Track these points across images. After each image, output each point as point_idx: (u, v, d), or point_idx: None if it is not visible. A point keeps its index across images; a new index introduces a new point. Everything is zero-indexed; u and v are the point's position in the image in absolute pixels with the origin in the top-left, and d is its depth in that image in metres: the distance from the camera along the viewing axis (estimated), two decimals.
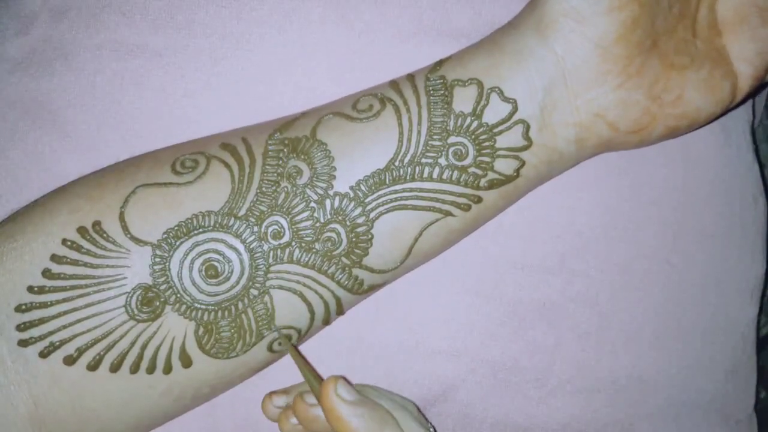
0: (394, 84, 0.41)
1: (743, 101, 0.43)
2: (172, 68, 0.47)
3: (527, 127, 0.39)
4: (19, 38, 0.48)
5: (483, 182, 0.39)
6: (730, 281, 0.50)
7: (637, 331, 0.48)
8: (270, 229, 0.38)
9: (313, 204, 0.38)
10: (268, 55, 0.48)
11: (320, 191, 0.38)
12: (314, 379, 0.39)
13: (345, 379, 0.39)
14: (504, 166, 0.40)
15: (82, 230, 0.38)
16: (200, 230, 0.38)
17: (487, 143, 0.39)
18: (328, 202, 0.38)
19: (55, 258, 0.37)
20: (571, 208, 0.48)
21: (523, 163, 0.40)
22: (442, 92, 0.39)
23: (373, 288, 0.41)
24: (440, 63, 0.41)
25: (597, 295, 0.48)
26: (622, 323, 0.48)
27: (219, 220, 0.38)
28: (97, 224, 0.38)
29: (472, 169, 0.39)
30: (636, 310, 0.48)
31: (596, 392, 0.48)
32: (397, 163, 0.39)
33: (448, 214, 0.40)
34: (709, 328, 0.49)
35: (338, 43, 0.48)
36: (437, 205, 0.39)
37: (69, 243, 0.37)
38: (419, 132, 0.39)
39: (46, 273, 0.37)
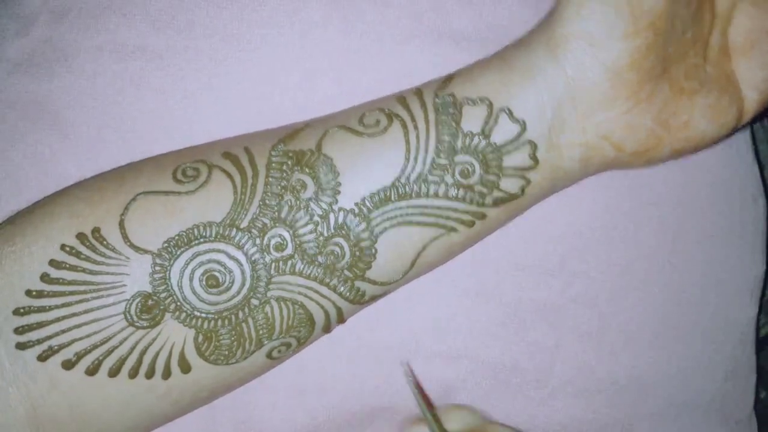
0: (401, 99, 0.40)
1: (746, 124, 0.44)
2: (172, 70, 0.47)
3: (534, 147, 0.39)
4: (19, 39, 0.48)
5: (488, 200, 0.39)
6: (729, 281, 0.50)
7: (637, 331, 0.48)
8: (272, 241, 0.38)
9: (317, 218, 0.38)
10: (269, 57, 0.47)
11: (324, 206, 0.38)
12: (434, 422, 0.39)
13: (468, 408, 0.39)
14: (509, 184, 0.39)
15: (81, 236, 0.37)
16: (201, 240, 0.37)
17: (494, 163, 0.39)
18: (332, 216, 0.38)
19: (53, 263, 0.37)
20: (571, 209, 0.48)
21: (528, 182, 0.40)
22: (451, 110, 0.39)
23: (375, 298, 0.41)
24: (450, 78, 0.40)
25: (597, 295, 0.48)
26: (623, 324, 0.48)
27: (221, 231, 0.37)
28: (96, 231, 0.37)
29: (477, 188, 0.39)
30: (636, 310, 0.48)
31: (597, 393, 0.48)
32: (403, 180, 0.38)
33: (452, 230, 0.40)
34: (708, 328, 0.49)
35: (339, 45, 0.47)
36: (442, 221, 0.39)
37: (68, 248, 0.37)
38: (426, 150, 0.38)
39: (45, 277, 0.37)
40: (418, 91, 0.40)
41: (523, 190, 0.40)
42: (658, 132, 0.40)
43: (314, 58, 0.47)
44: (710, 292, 0.49)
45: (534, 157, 0.39)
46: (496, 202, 0.40)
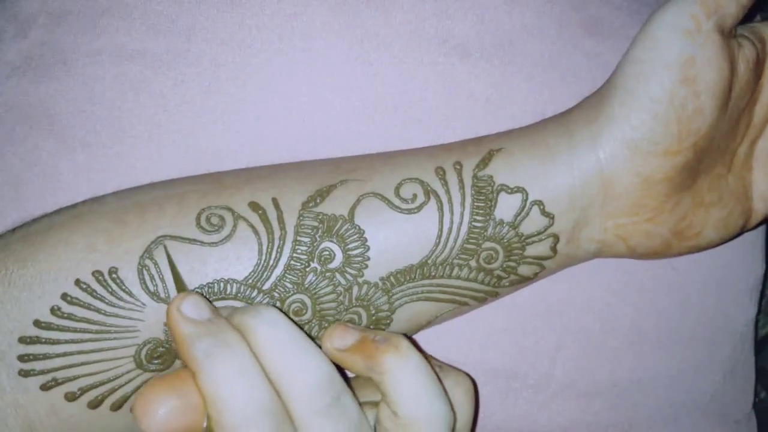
0: (440, 171, 0.40)
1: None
2: (172, 74, 0.45)
3: (557, 240, 0.40)
4: (17, 42, 0.46)
5: (504, 282, 0.40)
6: (729, 281, 0.50)
7: (637, 333, 0.48)
8: (293, 306, 0.38)
9: (340, 288, 0.38)
10: (269, 61, 0.46)
11: (350, 278, 0.38)
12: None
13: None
14: (526, 270, 0.40)
15: (97, 274, 0.36)
16: (220, 297, 0.37)
17: (517, 251, 0.39)
18: (355, 288, 0.38)
19: (66, 297, 0.36)
20: None
21: (543, 269, 0.41)
22: (487, 195, 0.39)
23: None
24: (490, 155, 0.40)
25: (598, 298, 0.47)
26: (623, 326, 0.48)
27: (241, 291, 0.37)
28: (114, 271, 0.37)
29: (497, 272, 0.40)
30: (637, 312, 0.48)
31: (597, 395, 0.48)
32: (430, 262, 0.39)
33: (465, 304, 0.41)
34: (708, 328, 0.50)
35: (340, 50, 0.46)
36: (458, 298, 0.40)
37: (83, 285, 0.36)
38: (458, 236, 0.39)
39: (55, 311, 0.36)
40: (458, 165, 0.40)
41: (535, 274, 0.41)
42: (670, 240, 0.41)
43: (315, 63, 0.46)
44: (710, 292, 0.50)
45: (554, 249, 0.40)
46: (511, 284, 0.41)
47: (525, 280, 0.41)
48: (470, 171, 0.40)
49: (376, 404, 0.37)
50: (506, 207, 0.39)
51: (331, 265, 0.38)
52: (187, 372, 0.33)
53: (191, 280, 0.37)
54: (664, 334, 0.49)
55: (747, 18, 0.41)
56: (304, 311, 0.38)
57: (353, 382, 0.38)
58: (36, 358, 0.36)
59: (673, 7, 0.38)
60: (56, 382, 0.36)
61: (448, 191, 0.39)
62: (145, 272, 0.37)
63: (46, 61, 0.45)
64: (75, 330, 0.36)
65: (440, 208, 0.39)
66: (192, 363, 0.32)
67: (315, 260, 0.38)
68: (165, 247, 0.37)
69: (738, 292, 0.51)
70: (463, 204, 0.39)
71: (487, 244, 0.39)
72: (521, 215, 0.39)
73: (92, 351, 0.36)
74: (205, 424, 0.32)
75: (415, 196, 0.39)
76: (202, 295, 0.36)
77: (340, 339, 0.35)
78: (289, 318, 0.38)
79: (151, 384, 0.32)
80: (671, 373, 0.49)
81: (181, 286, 0.36)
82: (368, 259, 0.38)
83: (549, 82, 0.48)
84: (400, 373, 0.34)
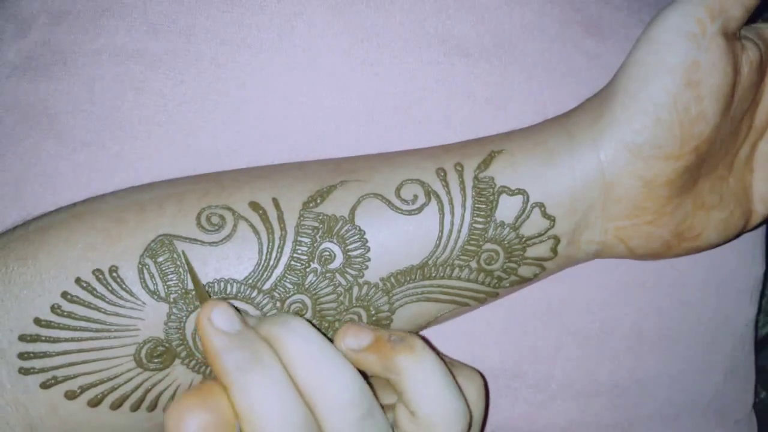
0: (441, 173, 0.40)
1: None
2: (172, 74, 0.45)
3: (557, 242, 0.40)
4: (17, 41, 0.46)
5: (505, 283, 0.40)
6: (729, 281, 0.50)
7: (637, 333, 0.48)
8: (293, 306, 0.38)
9: (340, 289, 0.38)
10: (270, 61, 0.46)
11: (350, 278, 0.38)
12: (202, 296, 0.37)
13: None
14: (526, 271, 0.40)
15: (97, 272, 0.36)
16: (221, 297, 0.37)
17: (517, 253, 0.39)
18: (356, 289, 0.38)
19: (66, 296, 0.36)
20: None
21: (543, 270, 0.41)
22: (488, 197, 0.39)
23: None
24: (491, 157, 0.40)
25: (598, 298, 0.47)
26: (623, 326, 0.48)
27: (242, 291, 0.37)
28: (114, 270, 0.37)
29: (498, 273, 0.40)
30: (637, 312, 0.48)
31: (597, 395, 0.48)
32: (430, 263, 0.39)
33: (465, 304, 0.41)
34: (708, 328, 0.50)
35: (340, 50, 0.46)
36: (458, 299, 0.40)
37: (83, 284, 0.36)
38: (458, 238, 0.39)
39: (56, 309, 0.36)
40: (459, 167, 0.40)
41: (535, 275, 0.41)
42: (671, 242, 0.41)
43: (315, 63, 0.46)
44: (710, 292, 0.50)
45: (554, 250, 0.40)
46: (511, 284, 0.41)
47: (525, 281, 0.41)
48: (471, 172, 0.40)
49: (389, 406, 0.36)
50: (507, 209, 0.39)
51: (332, 266, 0.38)
52: (219, 385, 0.32)
53: (191, 281, 0.37)
54: (665, 334, 0.49)
55: (750, 19, 0.41)
56: (304, 311, 0.38)
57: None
58: (36, 356, 0.36)
59: (678, 10, 0.38)
60: (56, 381, 0.36)
61: (449, 192, 0.39)
62: (145, 271, 0.37)
63: (46, 60, 0.45)
64: (75, 328, 0.36)
65: (441, 210, 0.39)
66: (224, 377, 0.32)
67: (315, 261, 0.38)
68: (183, 253, 0.37)
69: (738, 292, 0.51)
70: (464, 205, 0.39)
71: (488, 246, 0.39)
72: (522, 217, 0.39)
73: (92, 350, 0.36)
74: None
75: (415, 197, 0.39)
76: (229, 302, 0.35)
77: (354, 339, 0.35)
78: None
79: (184, 397, 0.32)
80: (671, 373, 0.49)
81: (201, 291, 0.36)
82: (368, 259, 0.38)
83: (549, 82, 0.48)
84: (418, 374, 0.34)
